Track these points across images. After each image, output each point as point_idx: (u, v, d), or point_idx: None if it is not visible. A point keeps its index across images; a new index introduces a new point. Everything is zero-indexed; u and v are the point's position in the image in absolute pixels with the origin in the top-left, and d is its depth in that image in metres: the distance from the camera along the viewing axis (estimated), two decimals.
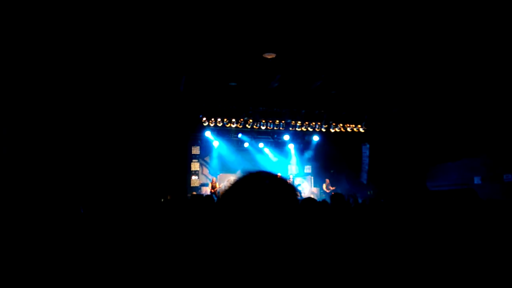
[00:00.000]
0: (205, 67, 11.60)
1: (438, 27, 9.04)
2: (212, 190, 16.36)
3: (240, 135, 17.41)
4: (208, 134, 17.13)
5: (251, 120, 15.82)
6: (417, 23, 8.94)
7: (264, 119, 16.04)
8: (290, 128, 16.65)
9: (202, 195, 14.78)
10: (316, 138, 18.26)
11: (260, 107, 15.82)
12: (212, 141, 17.58)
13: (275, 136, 18.22)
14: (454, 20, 8.66)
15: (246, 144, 18.13)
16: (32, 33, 8.73)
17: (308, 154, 19.29)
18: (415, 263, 3.21)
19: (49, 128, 10.76)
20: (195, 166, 17.45)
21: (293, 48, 10.30)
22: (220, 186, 16.99)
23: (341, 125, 16.70)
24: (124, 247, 4.10)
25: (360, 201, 11.69)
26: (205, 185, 17.21)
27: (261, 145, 18.41)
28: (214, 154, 17.98)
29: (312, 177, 18.85)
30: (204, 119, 15.31)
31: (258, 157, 18.61)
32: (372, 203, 7.17)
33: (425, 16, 8.58)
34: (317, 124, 16.60)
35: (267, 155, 18.75)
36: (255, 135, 17.86)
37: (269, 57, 10.38)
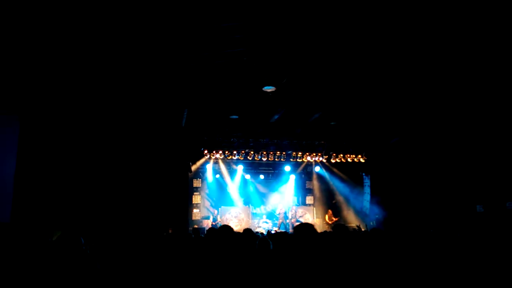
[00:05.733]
0: (206, 101, 11.85)
1: (432, 58, 9.30)
2: (213, 223, 16.28)
3: (241, 168, 17.49)
4: (209, 167, 17.24)
5: (252, 152, 15.95)
6: (411, 57, 9.21)
7: (265, 151, 16.17)
8: (291, 159, 16.78)
9: (204, 228, 14.72)
10: (317, 168, 18.40)
11: (261, 139, 16.00)
12: (214, 174, 17.66)
13: (277, 167, 18.34)
14: (450, 49, 8.90)
15: (247, 176, 18.18)
16: (36, 69, 8.98)
17: (310, 185, 19.31)
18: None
19: (53, 161, 10.86)
20: (196, 199, 17.44)
21: (292, 82, 10.56)
22: (222, 219, 16.92)
23: (341, 155, 16.81)
24: (126, 281, 4.11)
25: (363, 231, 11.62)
26: (207, 218, 17.11)
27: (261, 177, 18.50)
28: (216, 186, 17.99)
29: (314, 208, 18.76)
30: (206, 152, 15.47)
31: (259, 189, 18.62)
32: (374, 233, 7.15)
33: (419, 49, 8.85)
34: (317, 155, 16.74)
35: (267, 186, 18.75)
36: (257, 166, 17.99)
37: (269, 91, 10.62)
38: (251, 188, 18.44)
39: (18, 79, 8.89)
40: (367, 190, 17.62)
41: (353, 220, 17.38)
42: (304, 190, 19.34)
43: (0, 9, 6.57)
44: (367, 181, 17.76)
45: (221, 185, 17.97)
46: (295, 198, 19.16)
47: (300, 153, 16.60)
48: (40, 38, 7.65)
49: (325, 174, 18.50)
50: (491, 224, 13.10)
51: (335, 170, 18.18)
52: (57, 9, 6.83)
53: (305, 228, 3.19)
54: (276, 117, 13.35)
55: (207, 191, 17.88)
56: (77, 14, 7.05)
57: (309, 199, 19.20)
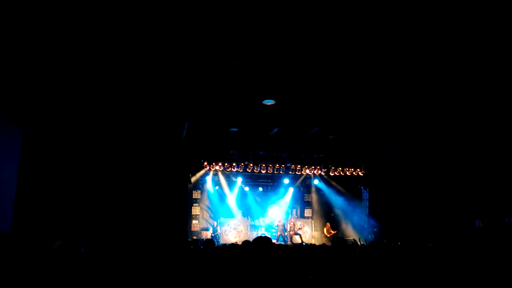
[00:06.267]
0: (207, 114, 11.98)
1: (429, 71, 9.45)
2: (213, 234, 16.27)
3: (240, 180, 17.56)
4: (209, 178, 17.30)
5: (251, 164, 16.05)
6: (409, 73, 9.36)
7: (264, 163, 16.26)
8: (290, 172, 16.87)
9: (202, 239, 14.71)
10: (316, 182, 18.47)
11: (260, 152, 16.10)
12: (213, 185, 17.71)
13: (276, 180, 18.42)
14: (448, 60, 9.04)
15: (246, 188, 18.23)
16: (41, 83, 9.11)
17: (308, 197, 19.34)
18: None
19: (55, 171, 10.92)
20: (195, 210, 17.46)
21: (291, 96, 10.70)
22: (221, 230, 16.91)
23: (340, 169, 16.90)
24: None
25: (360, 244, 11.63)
26: (206, 229, 17.12)
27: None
28: (215, 198, 18.02)
29: (313, 221, 18.75)
30: (206, 163, 15.57)
31: (257, 201, 18.63)
32: (372, 246, 7.19)
33: (417, 62, 9.01)
34: (316, 168, 16.83)
35: (266, 198, 18.75)
36: (256, 179, 18.05)
37: (268, 104, 10.75)
38: (250, 200, 18.46)
39: (22, 87, 9.02)
40: (366, 203, 17.66)
41: (351, 234, 17.37)
42: (302, 203, 19.36)
43: (4, 16, 6.71)
44: (365, 195, 17.81)
45: (220, 197, 17.99)
46: (294, 211, 19.16)
47: (299, 166, 16.70)
48: (45, 48, 7.80)
49: (324, 187, 18.54)
50: (490, 239, 13.11)
51: (333, 183, 18.23)
52: (61, 23, 7.00)
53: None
54: (275, 130, 13.47)
55: (206, 202, 17.92)
56: (82, 28, 7.22)
57: (307, 212, 19.21)
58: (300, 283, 3.86)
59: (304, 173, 17.27)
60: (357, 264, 3.91)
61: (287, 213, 18.72)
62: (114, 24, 7.28)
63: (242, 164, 16.02)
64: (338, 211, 18.29)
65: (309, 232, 18.24)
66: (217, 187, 17.88)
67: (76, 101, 10.22)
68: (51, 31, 7.26)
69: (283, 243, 15.78)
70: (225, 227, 17.19)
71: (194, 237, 15.90)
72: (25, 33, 7.27)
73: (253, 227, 17.91)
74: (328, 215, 18.56)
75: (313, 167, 16.83)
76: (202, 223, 17.47)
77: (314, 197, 19.24)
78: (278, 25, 7.58)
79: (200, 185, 17.69)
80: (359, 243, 13.83)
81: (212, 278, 3.97)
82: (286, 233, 17.45)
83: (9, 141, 9.33)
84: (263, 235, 3.70)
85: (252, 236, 17.09)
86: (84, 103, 10.40)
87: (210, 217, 17.74)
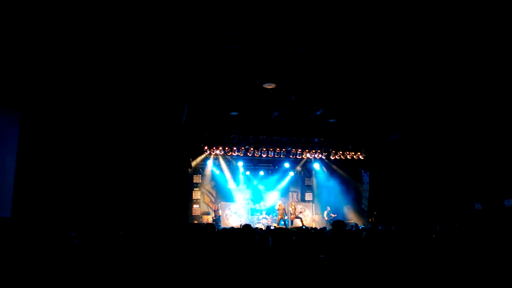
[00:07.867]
0: (206, 97, 11.88)
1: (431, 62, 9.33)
2: (213, 217, 16.35)
3: (241, 164, 17.57)
4: (209, 163, 17.30)
5: (252, 149, 16.01)
6: (410, 55, 9.23)
7: (265, 147, 16.23)
8: (291, 156, 16.87)
9: (203, 223, 14.80)
10: (316, 165, 18.48)
11: (260, 136, 16.05)
12: (214, 170, 17.73)
13: (276, 164, 18.43)
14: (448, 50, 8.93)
15: (247, 173, 18.26)
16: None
17: (309, 181, 19.39)
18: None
19: (54, 156, 10.90)
20: (196, 194, 17.51)
21: (292, 79, 10.58)
22: (222, 214, 16.99)
23: (340, 152, 16.89)
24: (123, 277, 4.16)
25: (360, 227, 11.69)
26: (207, 213, 17.20)
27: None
28: (216, 182, 18.06)
29: (313, 205, 18.83)
30: (206, 148, 15.53)
31: (258, 185, 18.68)
32: (372, 230, 7.20)
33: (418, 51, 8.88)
34: (317, 151, 16.83)
35: (267, 182, 18.78)
36: (257, 163, 18.05)
37: (269, 87, 10.65)
38: (251, 184, 18.51)
39: (20, 74, 8.92)
40: (366, 187, 17.69)
41: (351, 217, 17.46)
42: (303, 186, 19.42)
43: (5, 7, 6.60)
44: (366, 178, 17.83)
45: (221, 181, 18.04)
46: (295, 194, 19.23)
47: (299, 150, 16.69)
48: (41, 32, 7.68)
49: (324, 171, 18.57)
50: (489, 222, 13.14)
51: (334, 167, 18.25)
52: (59, 4, 6.87)
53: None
54: (276, 113, 13.38)
55: (207, 187, 17.98)
56: (79, 10, 7.08)
57: (308, 196, 19.28)
58: (300, 267, 3.85)
59: (305, 157, 17.27)
60: (357, 247, 3.90)
61: (287, 197, 18.80)
62: (113, 9, 7.14)
63: (243, 148, 15.99)
64: (338, 195, 18.35)
65: (310, 216, 18.33)
66: (217, 172, 17.90)
67: (74, 85, 10.12)
68: (48, 16, 7.13)
69: (284, 226, 15.85)
70: (226, 211, 17.28)
71: (195, 222, 15.99)
72: (24, 23, 7.15)
73: (254, 211, 17.99)
74: (328, 199, 18.63)
75: (313, 151, 16.83)
76: (203, 208, 17.55)
77: (314, 180, 19.30)
78: (277, 7, 7.43)
79: (200, 170, 17.71)
80: (359, 226, 13.89)
81: (213, 262, 3.96)
82: (287, 217, 17.53)
83: (7, 127, 9.27)
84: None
85: (253, 220, 17.19)
86: (82, 87, 10.31)
87: (211, 201, 17.82)
